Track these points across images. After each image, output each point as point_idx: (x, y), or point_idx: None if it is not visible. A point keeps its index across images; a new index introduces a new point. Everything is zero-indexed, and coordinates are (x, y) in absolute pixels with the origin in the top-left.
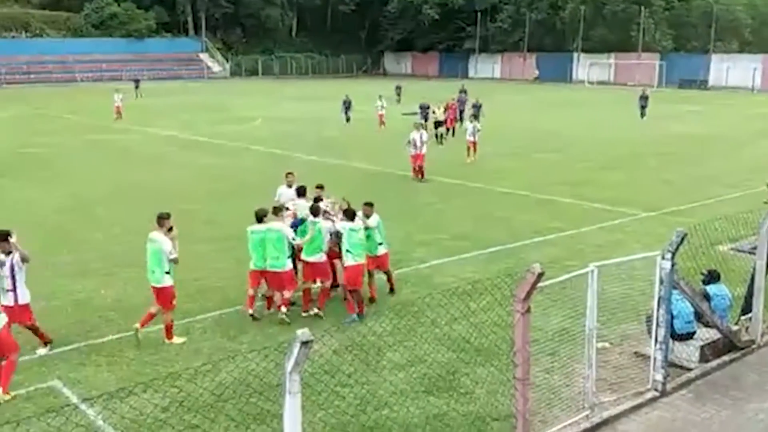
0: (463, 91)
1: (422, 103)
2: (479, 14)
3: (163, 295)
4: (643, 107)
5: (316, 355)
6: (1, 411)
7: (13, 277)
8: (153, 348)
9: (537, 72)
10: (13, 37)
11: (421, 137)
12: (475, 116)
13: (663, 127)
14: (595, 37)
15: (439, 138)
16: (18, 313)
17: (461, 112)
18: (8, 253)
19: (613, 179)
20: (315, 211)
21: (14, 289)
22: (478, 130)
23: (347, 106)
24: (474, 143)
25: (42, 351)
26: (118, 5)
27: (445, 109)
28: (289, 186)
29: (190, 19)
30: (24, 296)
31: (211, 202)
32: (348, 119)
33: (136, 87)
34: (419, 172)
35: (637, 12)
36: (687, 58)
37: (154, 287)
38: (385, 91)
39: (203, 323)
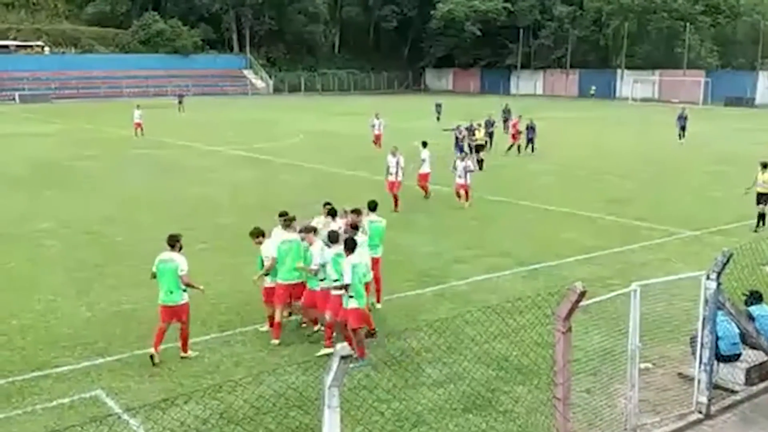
0: (507, 110)
1: (488, 119)
2: (522, 31)
3: (184, 312)
4: (682, 128)
5: (355, 370)
6: (46, 420)
7: None
8: (194, 360)
9: (594, 88)
10: (63, 53)
11: (397, 162)
12: (475, 149)
13: (708, 145)
14: (640, 53)
15: (480, 164)
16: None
17: (490, 134)
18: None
19: (657, 197)
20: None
21: None
22: (470, 171)
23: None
24: (464, 187)
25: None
26: (165, 22)
27: (512, 126)
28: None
29: (234, 36)
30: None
31: (253, 216)
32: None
33: (180, 102)
34: (395, 202)
35: (682, 28)
36: (733, 75)
37: (171, 307)
38: (426, 107)
39: (244, 336)
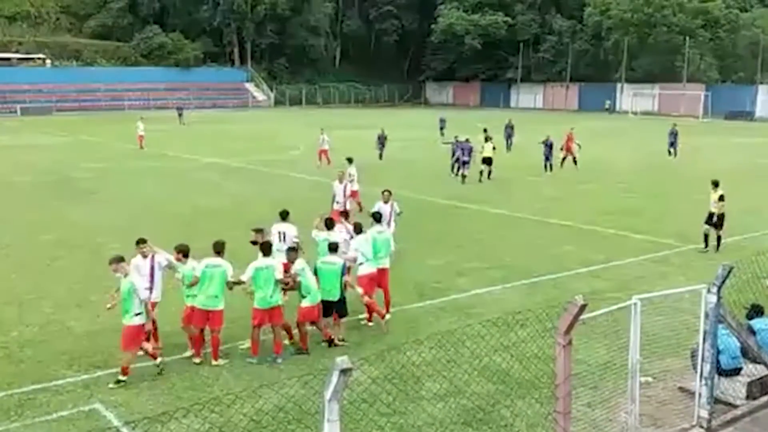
0: (510, 126)
1: (508, 121)
2: (522, 44)
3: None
4: (672, 144)
5: (355, 384)
6: None
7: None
8: (193, 373)
9: (609, 102)
10: (65, 65)
11: (344, 189)
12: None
13: (709, 159)
14: (639, 67)
15: (481, 175)
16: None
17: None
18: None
19: (658, 211)
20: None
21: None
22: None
23: (382, 141)
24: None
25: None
26: (167, 35)
27: (568, 140)
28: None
29: (236, 49)
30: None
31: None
32: (381, 156)
33: (180, 115)
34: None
35: (682, 42)
36: (733, 89)
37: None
38: (429, 120)
39: (243, 349)
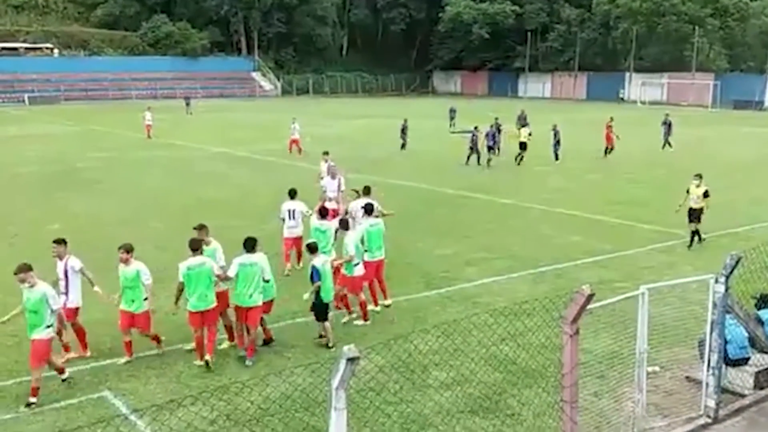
0: (523, 117)
1: (521, 112)
2: (529, 33)
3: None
4: (666, 134)
5: (361, 372)
6: (53, 420)
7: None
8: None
9: (623, 91)
10: (73, 55)
11: (338, 184)
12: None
13: (717, 149)
14: (648, 56)
15: (517, 159)
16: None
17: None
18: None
19: (665, 200)
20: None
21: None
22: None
23: (404, 131)
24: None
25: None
26: (174, 25)
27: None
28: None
29: (243, 38)
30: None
31: (263, 218)
32: (404, 146)
33: (187, 104)
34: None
35: (691, 31)
36: (742, 78)
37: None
38: (437, 110)
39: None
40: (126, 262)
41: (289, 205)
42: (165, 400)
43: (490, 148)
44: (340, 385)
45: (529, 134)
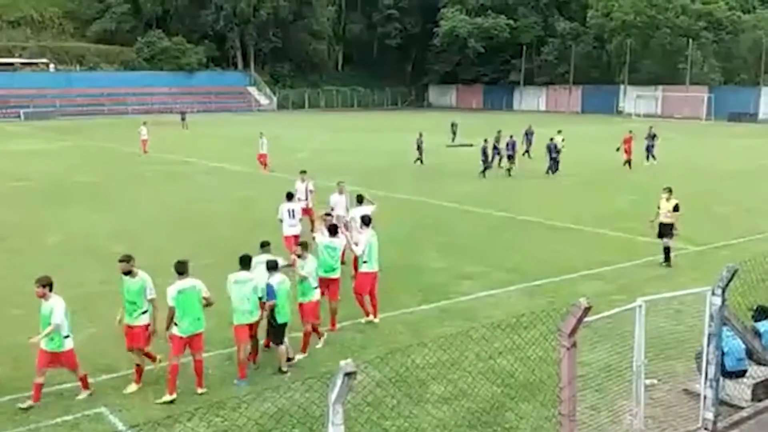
0: (530, 132)
1: (528, 127)
2: (524, 47)
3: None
4: (649, 147)
5: (359, 387)
6: None
7: None
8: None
9: (623, 105)
10: (68, 70)
11: (346, 201)
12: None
13: (712, 161)
14: (642, 69)
15: (549, 169)
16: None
17: (497, 151)
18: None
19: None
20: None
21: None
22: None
23: (420, 147)
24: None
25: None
26: (170, 40)
27: (624, 141)
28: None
29: (238, 53)
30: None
31: (259, 233)
32: (421, 161)
33: (183, 119)
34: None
35: (685, 45)
36: (736, 91)
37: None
38: (432, 124)
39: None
40: (129, 273)
41: (288, 205)
42: (162, 415)
43: (510, 158)
44: (338, 400)
45: (563, 140)
